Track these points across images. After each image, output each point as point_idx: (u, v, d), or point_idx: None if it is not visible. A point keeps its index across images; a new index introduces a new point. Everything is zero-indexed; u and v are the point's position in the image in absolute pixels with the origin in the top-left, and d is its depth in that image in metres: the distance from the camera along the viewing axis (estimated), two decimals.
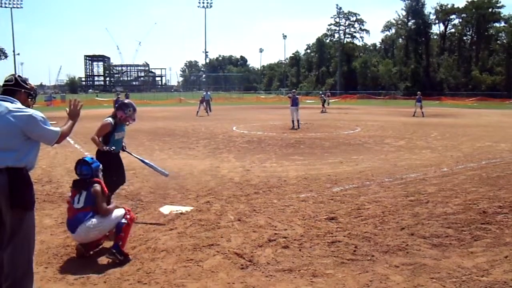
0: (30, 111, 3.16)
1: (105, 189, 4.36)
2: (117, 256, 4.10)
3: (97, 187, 4.22)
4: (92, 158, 4.47)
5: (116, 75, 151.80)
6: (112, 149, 5.72)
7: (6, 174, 3.00)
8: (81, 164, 4.32)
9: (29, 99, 3.34)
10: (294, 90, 23.11)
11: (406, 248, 4.48)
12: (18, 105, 3.15)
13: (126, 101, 6.19)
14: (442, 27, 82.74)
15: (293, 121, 18.83)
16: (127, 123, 5.98)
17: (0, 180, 2.98)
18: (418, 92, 28.99)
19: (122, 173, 6.08)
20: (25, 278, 3.13)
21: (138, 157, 6.34)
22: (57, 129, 3.30)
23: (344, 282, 3.73)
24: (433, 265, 4.04)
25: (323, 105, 33.07)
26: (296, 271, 3.95)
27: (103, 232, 4.20)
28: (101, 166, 4.47)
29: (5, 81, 3.25)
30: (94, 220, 4.11)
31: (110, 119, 5.83)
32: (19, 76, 3.33)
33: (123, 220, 4.26)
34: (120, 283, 3.74)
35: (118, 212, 4.31)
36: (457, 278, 3.77)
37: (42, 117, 3.19)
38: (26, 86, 3.30)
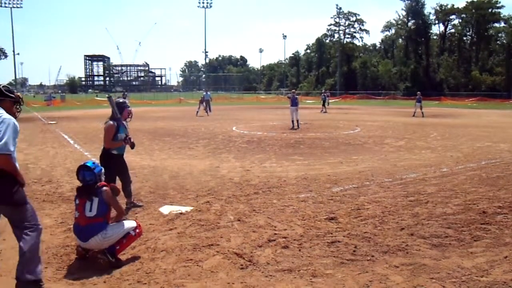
0: (7, 116, 3.29)
1: (116, 187, 4.37)
2: (108, 257, 4.08)
3: (107, 190, 4.18)
4: (94, 163, 4.35)
5: (116, 75, 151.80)
6: (127, 137, 5.86)
7: None
8: (83, 170, 4.22)
9: (15, 107, 3.51)
10: (293, 90, 23.06)
11: (406, 248, 4.48)
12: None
13: (121, 100, 6.26)
14: (442, 28, 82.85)
15: (292, 121, 18.83)
16: (129, 118, 6.06)
17: None
18: (418, 92, 28.96)
19: (128, 175, 6.16)
20: (32, 260, 3.41)
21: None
22: (12, 148, 3.25)
23: (344, 282, 3.73)
24: (433, 265, 4.04)
25: (323, 105, 33.04)
26: (295, 271, 3.95)
27: (114, 241, 4.15)
28: (103, 170, 4.41)
29: None
30: (107, 232, 4.09)
31: (111, 122, 5.86)
32: (3, 86, 3.48)
33: (132, 232, 4.28)
34: (119, 283, 3.74)
35: (130, 224, 4.33)
36: (457, 278, 3.77)
37: (16, 126, 3.29)
38: (10, 95, 3.46)
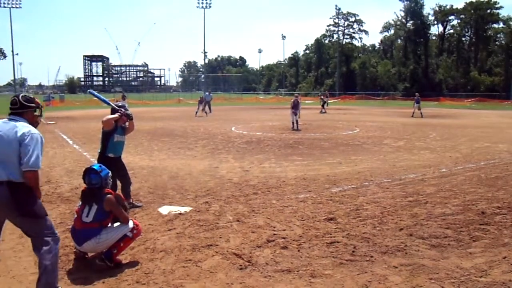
0: (34, 131, 3.33)
1: (122, 196, 4.29)
2: (106, 262, 4.04)
3: (110, 198, 4.10)
4: (100, 166, 4.30)
5: (115, 75, 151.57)
6: (121, 110, 5.87)
7: (7, 186, 3.19)
8: (89, 173, 4.19)
9: (36, 115, 3.53)
10: (296, 95, 22.72)
11: (405, 249, 4.48)
12: (24, 123, 3.36)
13: (120, 103, 6.28)
14: (440, 28, 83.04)
15: (293, 122, 18.78)
16: (128, 122, 6.05)
17: (2, 192, 3.18)
18: (416, 94, 29.07)
19: (127, 176, 6.14)
20: (53, 272, 3.38)
21: (101, 97, 6.43)
22: (40, 164, 3.30)
23: (343, 282, 3.73)
24: (432, 266, 4.04)
25: (322, 106, 32.97)
26: (294, 271, 3.95)
27: (110, 244, 4.10)
28: (110, 173, 4.34)
29: (11, 105, 3.46)
30: (101, 236, 4.03)
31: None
32: (23, 96, 3.50)
33: (129, 233, 4.19)
34: (118, 283, 3.74)
35: (126, 225, 4.25)
36: (456, 278, 3.77)
37: (42, 141, 3.35)
38: (31, 105, 3.47)
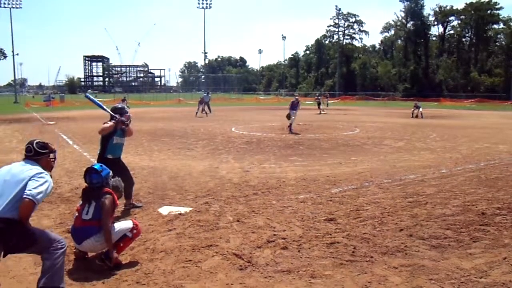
0: (48, 176, 3.39)
1: (117, 201, 4.30)
2: (106, 262, 4.04)
3: (107, 199, 4.09)
4: (101, 166, 4.34)
5: (115, 76, 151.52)
6: (116, 117, 5.87)
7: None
8: (90, 172, 4.24)
9: (51, 159, 3.63)
10: (296, 97, 22.62)
11: (405, 249, 4.49)
12: (39, 168, 3.43)
13: (119, 105, 6.30)
14: (441, 29, 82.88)
15: (290, 123, 18.61)
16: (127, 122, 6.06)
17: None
18: (415, 102, 29.14)
19: (129, 176, 6.13)
20: (54, 276, 3.35)
21: (97, 102, 6.47)
22: (40, 200, 3.29)
23: (343, 283, 3.73)
24: (432, 266, 4.04)
25: (318, 107, 32.87)
26: (294, 272, 3.95)
27: None
28: (111, 173, 4.37)
29: (26, 152, 3.55)
30: (100, 235, 4.03)
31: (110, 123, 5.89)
32: (37, 143, 3.57)
33: (128, 234, 4.21)
34: (118, 284, 3.74)
35: (125, 225, 4.28)
36: (456, 279, 3.77)
37: (51, 188, 3.39)
38: (45, 152, 3.56)
